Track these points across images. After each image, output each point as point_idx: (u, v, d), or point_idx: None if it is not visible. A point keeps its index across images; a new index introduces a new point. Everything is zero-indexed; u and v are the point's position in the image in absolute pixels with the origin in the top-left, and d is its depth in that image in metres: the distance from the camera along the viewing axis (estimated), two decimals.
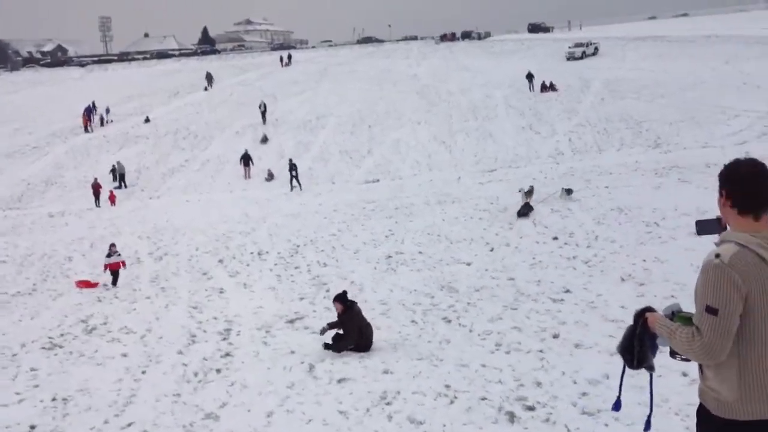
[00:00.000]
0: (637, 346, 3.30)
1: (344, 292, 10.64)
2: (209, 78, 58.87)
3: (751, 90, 38.56)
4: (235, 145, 40.34)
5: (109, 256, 17.35)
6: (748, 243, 2.84)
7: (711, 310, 2.80)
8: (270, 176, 34.63)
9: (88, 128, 46.51)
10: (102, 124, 48.47)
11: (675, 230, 16.50)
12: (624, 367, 3.44)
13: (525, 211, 20.27)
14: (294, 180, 31.89)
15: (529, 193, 21.23)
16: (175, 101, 54.09)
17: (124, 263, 17.65)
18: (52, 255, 21.42)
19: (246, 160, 35.57)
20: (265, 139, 40.34)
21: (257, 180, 34.72)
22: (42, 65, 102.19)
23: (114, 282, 17.10)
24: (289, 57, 69.52)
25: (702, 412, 3.06)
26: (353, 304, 10.45)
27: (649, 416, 3.52)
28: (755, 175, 2.91)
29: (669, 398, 6.37)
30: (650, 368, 3.39)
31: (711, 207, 17.57)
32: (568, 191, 21.84)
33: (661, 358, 6.25)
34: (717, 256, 2.85)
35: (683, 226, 16.80)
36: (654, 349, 3.33)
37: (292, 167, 32.13)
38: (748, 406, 2.85)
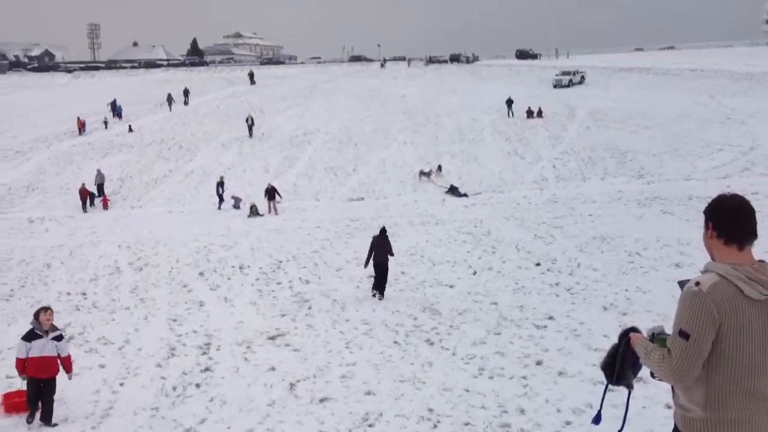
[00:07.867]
0: (618, 364, 3.41)
1: (383, 227, 15.76)
2: (186, 93, 58.17)
3: (735, 125, 39.15)
4: (220, 157, 40.20)
5: (31, 338, 8.29)
6: (728, 275, 2.97)
7: (683, 335, 2.95)
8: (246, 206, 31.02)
9: (82, 131, 46.69)
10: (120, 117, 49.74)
11: (657, 261, 16.61)
12: (606, 384, 3.56)
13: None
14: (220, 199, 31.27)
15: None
16: (161, 111, 53.86)
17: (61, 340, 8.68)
18: (30, 261, 21.13)
19: (271, 194, 29.94)
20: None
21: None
22: (29, 69, 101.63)
23: (46, 418, 8.31)
24: (251, 75, 68.37)
25: None
26: (381, 234, 15.31)
27: (620, 430, 3.69)
28: (740, 208, 3.08)
29: (654, 429, 6.37)
30: (628, 386, 3.50)
31: (692, 239, 17.81)
32: (439, 167, 34.66)
33: (645, 389, 6.21)
34: (697, 284, 2.99)
35: (665, 257, 16.93)
36: (636, 368, 3.44)
37: (219, 184, 31.46)
38: (713, 426, 2.98)
